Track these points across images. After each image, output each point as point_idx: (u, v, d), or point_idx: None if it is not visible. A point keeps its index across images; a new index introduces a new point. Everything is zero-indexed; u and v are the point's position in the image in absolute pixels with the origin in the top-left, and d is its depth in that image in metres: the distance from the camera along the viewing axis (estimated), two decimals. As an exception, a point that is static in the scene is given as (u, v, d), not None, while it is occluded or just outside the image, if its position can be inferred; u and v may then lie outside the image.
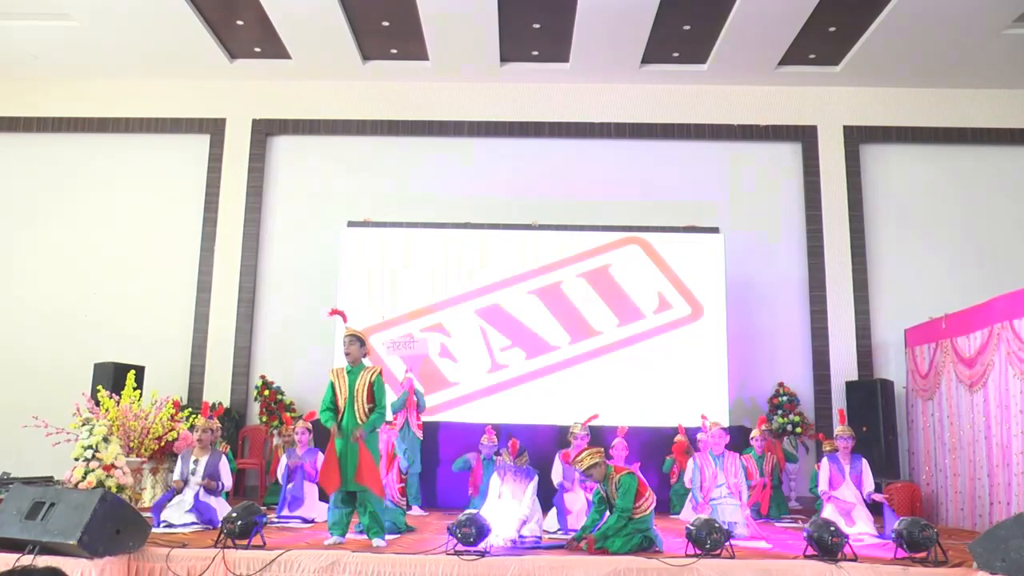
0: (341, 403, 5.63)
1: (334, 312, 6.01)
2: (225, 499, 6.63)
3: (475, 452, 7.94)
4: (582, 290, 9.35)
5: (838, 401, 9.37)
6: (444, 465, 8.65)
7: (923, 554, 4.99)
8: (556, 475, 7.11)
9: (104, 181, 10.40)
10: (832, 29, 9.09)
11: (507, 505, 5.93)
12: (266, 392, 9.50)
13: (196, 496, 6.34)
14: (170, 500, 6.32)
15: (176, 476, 6.58)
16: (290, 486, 7.08)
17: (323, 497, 6.81)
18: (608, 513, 5.54)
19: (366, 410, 5.59)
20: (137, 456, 7.85)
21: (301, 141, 10.47)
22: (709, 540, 5.03)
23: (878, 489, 6.91)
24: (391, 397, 7.94)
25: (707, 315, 9.20)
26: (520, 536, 5.70)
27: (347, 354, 5.72)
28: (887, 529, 6.13)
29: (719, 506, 6.55)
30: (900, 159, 10.28)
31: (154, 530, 5.61)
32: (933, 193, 10.16)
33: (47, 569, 2.66)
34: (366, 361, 5.83)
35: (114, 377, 8.43)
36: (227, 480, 6.58)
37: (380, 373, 5.73)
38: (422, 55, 9.81)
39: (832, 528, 5.04)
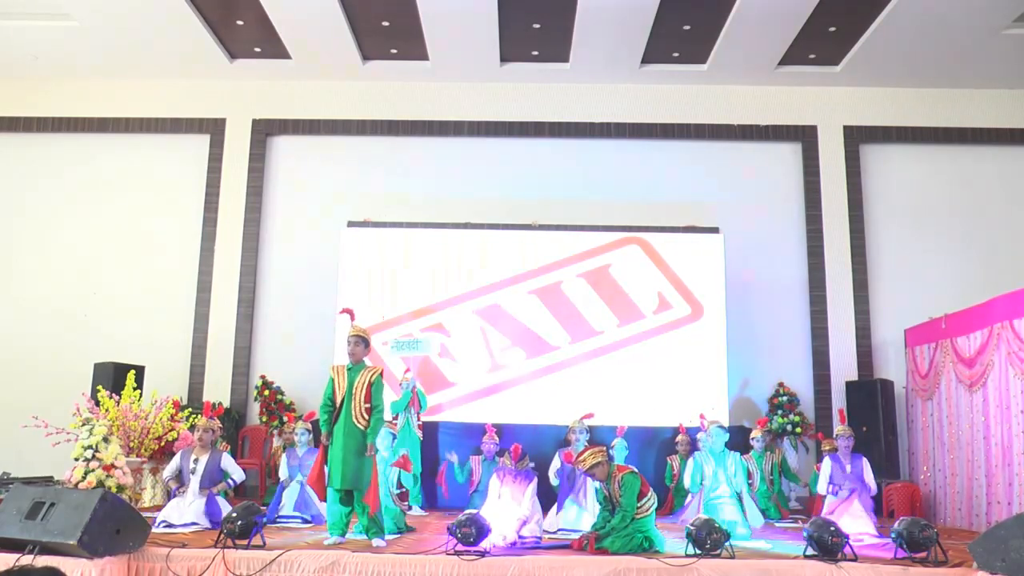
0: (339, 400, 5.65)
1: (344, 311, 6.05)
2: (224, 498, 6.64)
3: (476, 456, 7.96)
4: (582, 290, 9.35)
5: (838, 401, 9.37)
6: (443, 465, 8.65)
7: (923, 554, 4.99)
8: (553, 470, 7.11)
9: (104, 181, 10.39)
10: (832, 29, 9.09)
11: (506, 506, 5.94)
12: (266, 392, 9.50)
13: (206, 498, 6.37)
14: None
15: (167, 474, 6.59)
16: (288, 490, 7.09)
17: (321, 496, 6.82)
18: (611, 513, 5.55)
19: (363, 409, 5.60)
20: (137, 456, 7.85)
21: (301, 141, 10.47)
22: (709, 540, 5.03)
23: (879, 490, 6.92)
24: (392, 397, 7.98)
25: (707, 315, 9.20)
26: (520, 536, 5.71)
27: (351, 354, 5.74)
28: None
29: (719, 506, 6.56)
30: (900, 159, 10.27)
31: (154, 530, 5.62)
32: (933, 193, 10.16)
33: (46, 569, 2.66)
34: (367, 360, 5.85)
35: (114, 377, 8.42)
36: (237, 473, 6.60)
37: (381, 374, 5.74)
38: (422, 55, 9.81)
39: (832, 528, 5.04)
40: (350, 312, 6.02)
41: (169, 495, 6.74)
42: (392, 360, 8.79)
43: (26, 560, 4.53)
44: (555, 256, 9.45)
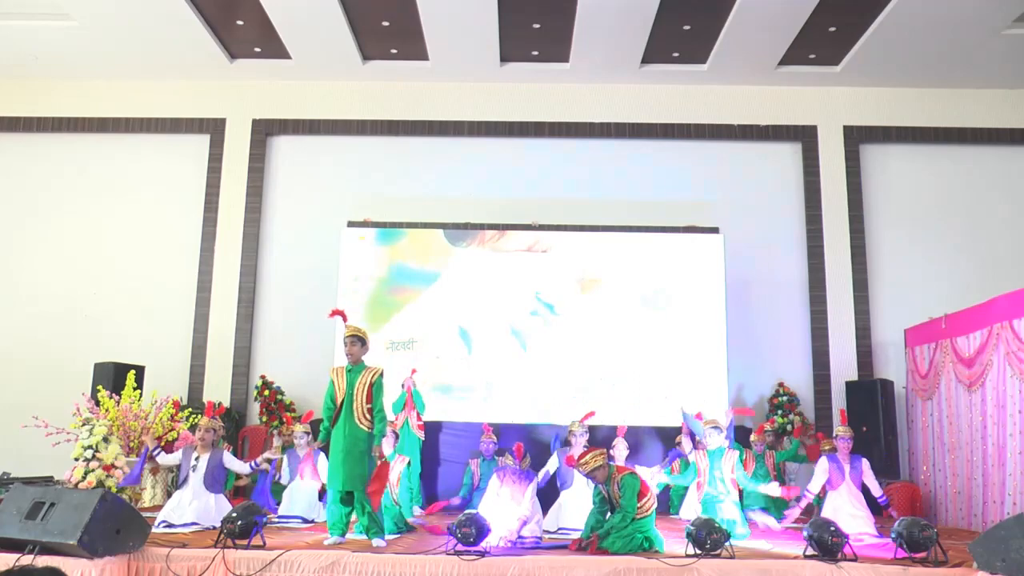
0: (339, 400, 5.65)
1: (335, 313, 6.00)
2: (227, 490, 6.66)
3: (474, 459, 7.96)
4: (582, 290, 9.36)
5: (838, 401, 9.37)
6: (444, 465, 8.67)
7: (923, 554, 4.99)
8: (551, 466, 7.10)
9: (104, 181, 10.39)
10: (832, 29, 9.09)
11: (506, 505, 5.93)
12: (266, 392, 9.50)
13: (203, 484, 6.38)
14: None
15: (167, 460, 6.61)
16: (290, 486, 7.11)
17: (322, 497, 6.83)
18: (610, 514, 5.56)
19: (365, 410, 5.59)
20: (137, 456, 7.84)
21: (301, 141, 10.47)
22: (709, 540, 5.04)
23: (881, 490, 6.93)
24: (393, 397, 7.99)
25: (707, 315, 9.20)
26: (520, 536, 5.71)
27: (348, 354, 5.73)
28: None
29: (718, 505, 6.56)
30: (900, 159, 10.27)
31: (154, 530, 5.62)
32: (933, 193, 10.16)
33: (47, 569, 2.66)
34: (367, 361, 5.83)
35: (114, 377, 8.42)
36: (241, 468, 6.61)
37: (381, 375, 5.73)
38: (422, 55, 9.81)
39: (832, 528, 5.04)
40: (341, 314, 5.94)
41: (172, 488, 6.74)
42: (392, 360, 8.78)
43: (26, 560, 4.52)
44: (555, 256, 9.45)
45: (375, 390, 5.64)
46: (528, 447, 7.09)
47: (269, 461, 6.81)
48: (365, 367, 5.73)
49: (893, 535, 5.13)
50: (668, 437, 8.71)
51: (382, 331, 9.09)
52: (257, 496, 7.19)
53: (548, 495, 6.91)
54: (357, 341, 5.75)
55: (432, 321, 9.27)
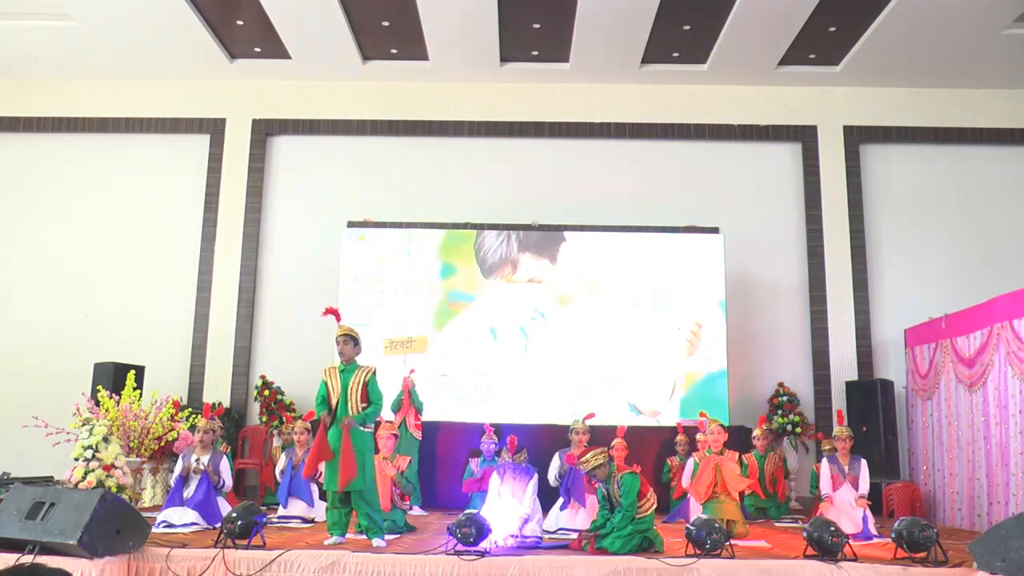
0: (334, 402, 5.64)
1: (328, 311, 5.99)
2: (224, 498, 6.64)
3: (475, 457, 7.94)
4: (582, 289, 9.36)
5: (838, 401, 9.37)
6: (444, 465, 8.64)
7: (923, 554, 4.99)
8: (552, 473, 7.08)
9: (104, 181, 10.39)
10: (832, 29, 9.10)
11: (507, 505, 5.93)
12: (266, 392, 9.50)
13: (203, 492, 6.35)
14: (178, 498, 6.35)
15: (177, 472, 6.59)
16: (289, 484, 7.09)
17: (322, 496, 6.81)
18: (611, 512, 5.55)
19: (360, 409, 5.59)
20: (137, 456, 7.84)
21: (301, 141, 10.47)
22: (709, 540, 5.03)
23: (876, 490, 6.91)
24: (391, 397, 7.97)
25: (707, 315, 9.20)
26: (521, 536, 5.70)
27: (341, 353, 5.74)
28: (866, 528, 6.33)
29: (719, 506, 6.55)
30: (900, 159, 10.28)
31: (154, 530, 5.61)
32: (933, 193, 10.16)
33: (56, 570, 2.64)
34: (360, 360, 5.83)
35: (114, 377, 8.42)
36: (228, 478, 6.61)
37: (375, 373, 5.73)
38: (422, 55, 9.81)
39: (832, 528, 5.04)
40: (335, 312, 5.93)
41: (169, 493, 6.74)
42: (390, 360, 8.77)
43: (26, 560, 4.52)
44: (554, 256, 9.45)
45: (370, 387, 5.64)
46: (528, 447, 7.06)
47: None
48: (358, 366, 5.74)
49: (893, 535, 5.12)
50: (667, 437, 8.71)
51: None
52: (282, 491, 7.10)
53: (548, 495, 6.90)
54: (350, 340, 5.76)
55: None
